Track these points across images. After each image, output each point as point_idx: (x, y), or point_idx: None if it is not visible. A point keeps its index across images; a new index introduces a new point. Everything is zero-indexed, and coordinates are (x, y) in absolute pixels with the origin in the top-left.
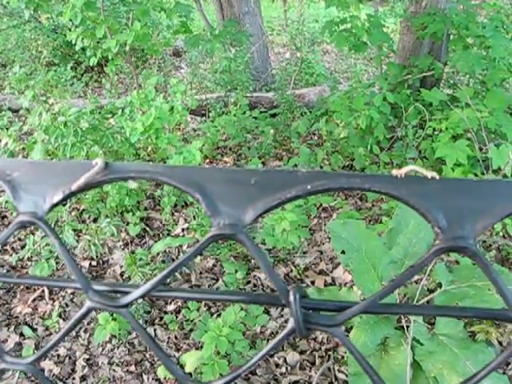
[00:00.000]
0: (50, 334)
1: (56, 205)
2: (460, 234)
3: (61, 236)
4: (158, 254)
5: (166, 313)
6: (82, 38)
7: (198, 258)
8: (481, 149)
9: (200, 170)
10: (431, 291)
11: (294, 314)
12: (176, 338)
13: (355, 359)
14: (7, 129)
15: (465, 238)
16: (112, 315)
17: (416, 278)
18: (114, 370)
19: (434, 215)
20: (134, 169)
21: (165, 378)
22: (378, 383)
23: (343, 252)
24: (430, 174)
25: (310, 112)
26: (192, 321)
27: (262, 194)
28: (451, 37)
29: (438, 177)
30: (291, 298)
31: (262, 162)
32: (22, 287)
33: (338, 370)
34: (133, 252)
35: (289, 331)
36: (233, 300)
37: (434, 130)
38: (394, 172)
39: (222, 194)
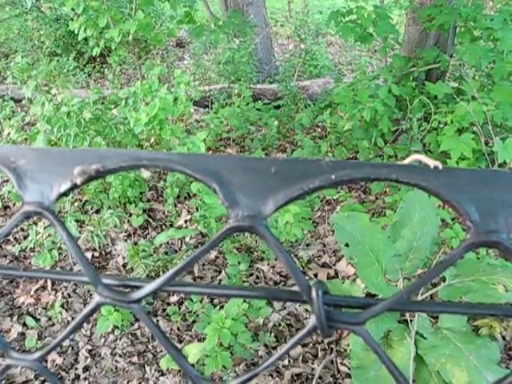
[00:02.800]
0: (53, 324)
1: (63, 194)
2: (493, 228)
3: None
4: (160, 245)
5: (168, 304)
6: (85, 28)
7: None
8: (486, 142)
9: (217, 159)
10: (434, 285)
11: (316, 311)
12: (178, 329)
13: (381, 359)
14: (10, 119)
15: (498, 233)
16: (115, 306)
17: (419, 271)
18: (116, 361)
19: (466, 208)
20: (146, 156)
21: (167, 370)
22: None
23: (347, 245)
24: (433, 163)
25: (314, 104)
26: (195, 312)
27: (283, 183)
28: (457, 29)
29: (441, 166)
30: (313, 294)
31: (266, 154)
32: (24, 277)
33: (341, 363)
34: (135, 243)
35: (310, 329)
36: (251, 296)
37: (439, 123)
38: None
39: (240, 184)
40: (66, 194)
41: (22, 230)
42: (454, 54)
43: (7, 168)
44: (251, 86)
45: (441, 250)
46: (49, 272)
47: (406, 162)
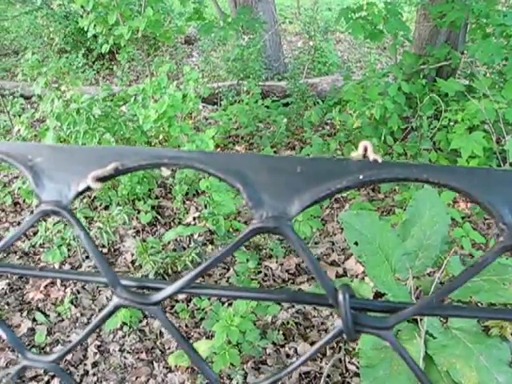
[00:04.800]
0: (62, 320)
1: (82, 193)
2: None
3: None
4: (169, 242)
5: (177, 301)
6: (94, 25)
7: (210, 246)
8: (498, 141)
9: (240, 157)
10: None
11: (343, 315)
12: (187, 326)
13: (408, 365)
14: (20, 116)
15: None
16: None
17: (429, 270)
18: (124, 357)
19: (499, 210)
20: (167, 155)
21: (175, 366)
22: None
23: (356, 243)
24: (373, 156)
25: (323, 101)
26: (203, 309)
27: (309, 183)
28: (469, 25)
29: (380, 160)
30: (340, 298)
31: (274, 152)
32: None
33: (349, 362)
34: (144, 240)
35: (336, 333)
36: (273, 299)
37: (450, 120)
38: (354, 155)
39: (265, 184)
40: (83, 192)
41: (32, 226)
42: (465, 51)
43: (24, 166)
44: (260, 83)
45: (452, 249)
46: (65, 272)
47: (359, 151)
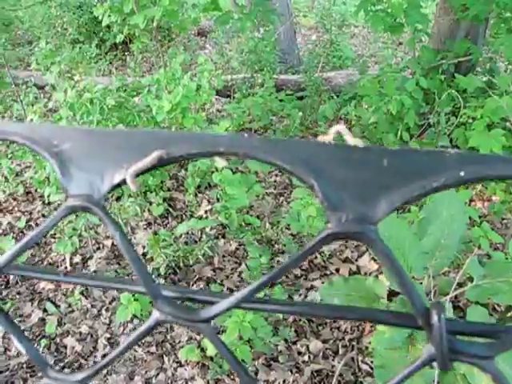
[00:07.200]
0: (73, 311)
1: (117, 186)
2: None
3: (83, 214)
4: (180, 235)
5: None
6: (109, 14)
7: (222, 240)
8: None
9: (313, 146)
10: (460, 285)
11: (437, 340)
12: None
13: None
14: (33, 105)
15: None
16: (134, 295)
17: (445, 269)
18: (135, 350)
19: None
20: (223, 142)
21: (186, 361)
22: None
23: None
24: (353, 140)
25: (338, 96)
26: None
27: (399, 180)
28: (490, 20)
29: (361, 145)
30: (434, 319)
31: None
32: (45, 262)
33: (362, 361)
34: (155, 232)
35: (426, 360)
36: (347, 318)
37: (468, 117)
38: (321, 138)
39: (344, 180)
40: (119, 186)
41: (43, 215)
42: (485, 47)
43: (48, 152)
44: (274, 76)
45: (471, 250)
46: (96, 279)
47: (330, 134)
